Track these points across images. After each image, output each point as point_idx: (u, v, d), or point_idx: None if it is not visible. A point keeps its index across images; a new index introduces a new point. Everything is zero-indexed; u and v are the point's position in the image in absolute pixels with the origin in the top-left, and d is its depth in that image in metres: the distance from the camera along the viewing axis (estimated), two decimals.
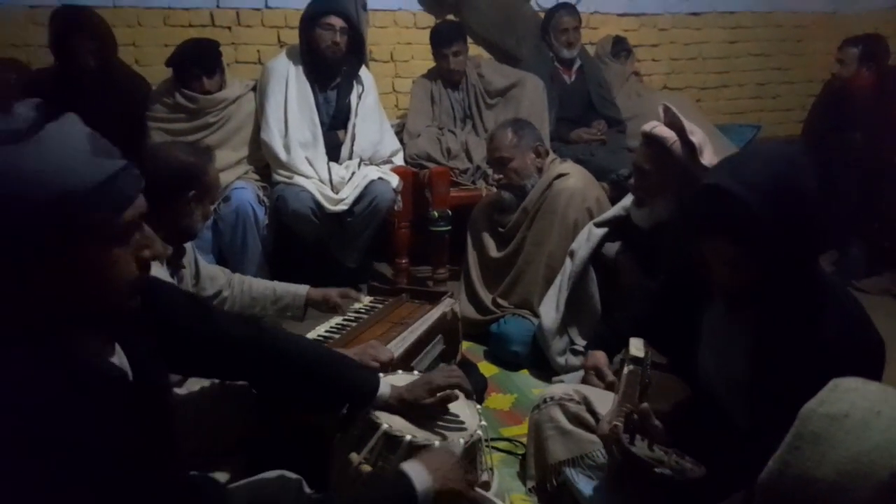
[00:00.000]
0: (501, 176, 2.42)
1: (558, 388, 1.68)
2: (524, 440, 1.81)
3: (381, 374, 1.41)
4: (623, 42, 3.87)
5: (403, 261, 2.98)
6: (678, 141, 1.83)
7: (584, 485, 1.53)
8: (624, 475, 1.33)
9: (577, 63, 3.46)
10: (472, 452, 1.33)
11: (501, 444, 1.87)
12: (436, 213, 2.87)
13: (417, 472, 1.10)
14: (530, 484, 1.65)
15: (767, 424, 1.25)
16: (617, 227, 2.12)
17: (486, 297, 2.51)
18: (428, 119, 3.15)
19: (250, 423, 1.48)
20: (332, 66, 2.80)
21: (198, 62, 2.65)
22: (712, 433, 1.36)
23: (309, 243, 2.77)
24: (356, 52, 2.87)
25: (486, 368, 2.30)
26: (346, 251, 2.82)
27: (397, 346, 1.73)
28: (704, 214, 1.22)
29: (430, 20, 3.56)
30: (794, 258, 1.21)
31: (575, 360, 2.14)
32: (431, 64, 3.23)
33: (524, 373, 2.28)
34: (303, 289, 2.00)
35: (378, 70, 3.61)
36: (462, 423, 1.38)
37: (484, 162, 3.01)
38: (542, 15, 3.58)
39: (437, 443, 1.29)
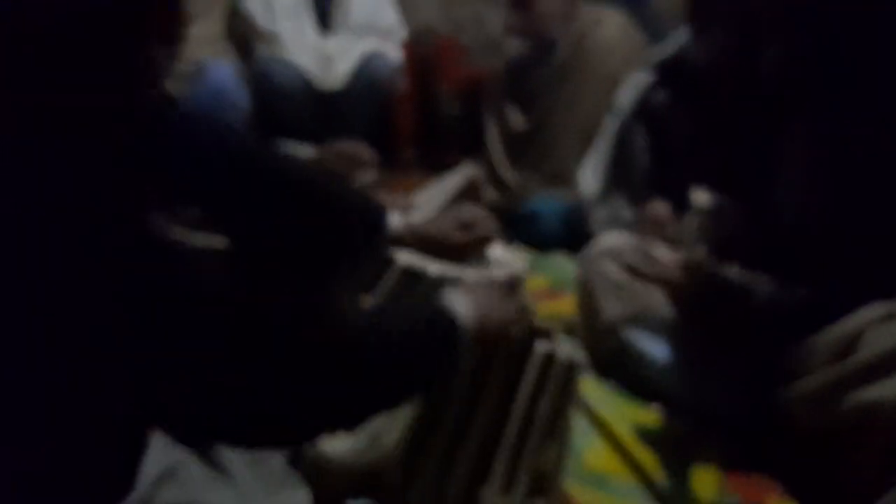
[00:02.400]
0: (524, 22, 2.18)
1: (609, 239, 1.49)
2: (567, 314, 1.63)
3: None
4: None
5: (408, 152, 2.78)
6: None
7: (648, 344, 1.36)
8: (708, 312, 1.15)
9: None
10: (510, 292, 1.15)
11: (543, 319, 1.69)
12: (445, 91, 2.64)
13: (458, 301, 0.89)
14: (581, 350, 1.47)
15: (867, 250, 1.09)
16: (667, 72, 1.89)
17: (511, 175, 2.32)
18: None
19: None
20: None
21: None
22: (803, 269, 1.17)
23: (298, 130, 2.54)
24: None
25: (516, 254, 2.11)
26: (341, 139, 2.61)
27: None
28: None
29: None
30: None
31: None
32: None
33: (559, 254, 2.09)
34: None
35: None
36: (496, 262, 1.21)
37: (501, 33, 2.76)
38: None
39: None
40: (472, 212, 1.20)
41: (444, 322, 0.84)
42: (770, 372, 1.15)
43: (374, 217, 1.12)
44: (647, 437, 1.27)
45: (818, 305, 1.02)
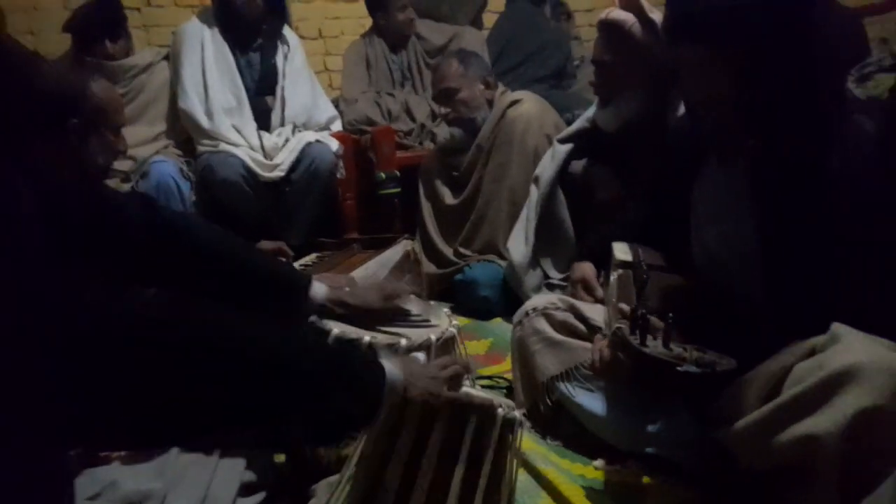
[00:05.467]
0: (449, 110, 2.22)
1: (541, 299, 1.46)
2: (507, 377, 1.57)
3: None
4: (563, 4, 3.78)
5: (352, 236, 2.72)
6: (637, 22, 1.66)
7: (584, 398, 1.30)
8: (637, 382, 1.11)
9: None
10: (446, 350, 1.11)
11: (483, 382, 1.62)
12: (383, 175, 2.63)
13: (390, 367, 0.84)
14: (521, 410, 1.40)
15: (784, 291, 1.08)
16: (582, 142, 1.93)
17: (446, 248, 2.29)
18: (364, 83, 2.93)
19: None
20: (250, 24, 2.56)
21: (98, 23, 2.37)
22: (727, 320, 1.15)
23: (244, 219, 2.47)
24: (276, 8, 2.64)
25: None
26: (287, 226, 2.54)
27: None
28: (675, 15, 1.07)
29: None
30: (783, 65, 1.03)
31: None
32: None
33: (497, 320, 2.05)
34: None
35: (307, 48, 3.37)
36: (429, 322, 1.17)
37: (428, 120, 2.80)
38: None
39: (403, 342, 1.05)
40: (393, 284, 1.21)
41: (372, 365, 0.82)
42: (706, 415, 1.11)
43: (298, 282, 1.10)
44: (593, 492, 1.20)
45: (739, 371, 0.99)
